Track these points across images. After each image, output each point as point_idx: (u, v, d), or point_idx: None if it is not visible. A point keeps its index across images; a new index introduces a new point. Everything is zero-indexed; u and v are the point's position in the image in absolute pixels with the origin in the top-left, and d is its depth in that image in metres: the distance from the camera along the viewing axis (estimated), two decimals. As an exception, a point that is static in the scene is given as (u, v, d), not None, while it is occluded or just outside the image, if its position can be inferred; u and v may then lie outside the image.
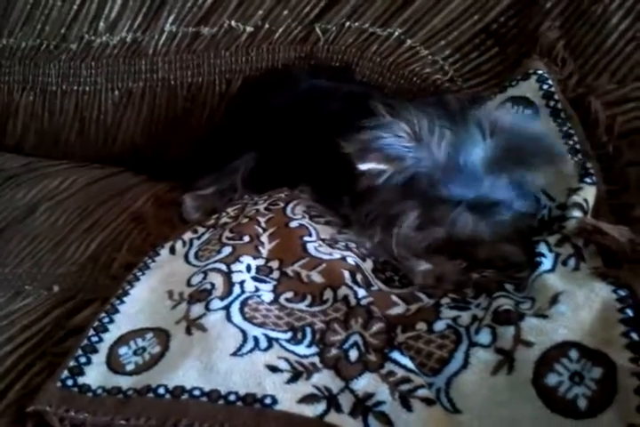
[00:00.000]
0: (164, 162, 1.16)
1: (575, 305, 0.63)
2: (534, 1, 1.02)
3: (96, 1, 1.17)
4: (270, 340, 0.66)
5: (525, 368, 0.59)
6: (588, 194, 0.78)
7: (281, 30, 1.12)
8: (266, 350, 0.65)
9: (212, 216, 0.90)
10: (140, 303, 0.75)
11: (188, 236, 0.85)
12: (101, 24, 1.17)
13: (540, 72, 0.94)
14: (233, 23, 1.13)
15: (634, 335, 0.58)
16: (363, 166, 0.74)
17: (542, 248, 0.73)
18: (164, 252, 0.83)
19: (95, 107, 1.18)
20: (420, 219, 0.77)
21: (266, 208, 0.87)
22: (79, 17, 1.18)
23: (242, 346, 0.65)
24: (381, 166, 0.74)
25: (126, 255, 0.90)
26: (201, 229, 0.87)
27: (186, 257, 0.81)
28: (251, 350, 0.65)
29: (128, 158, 1.19)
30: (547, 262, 0.70)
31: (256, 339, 0.66)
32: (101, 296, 0.79)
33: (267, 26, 1.13)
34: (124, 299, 0.75)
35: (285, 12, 1.12)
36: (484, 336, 0.63)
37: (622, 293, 0.63)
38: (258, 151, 0.98)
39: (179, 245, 0.84)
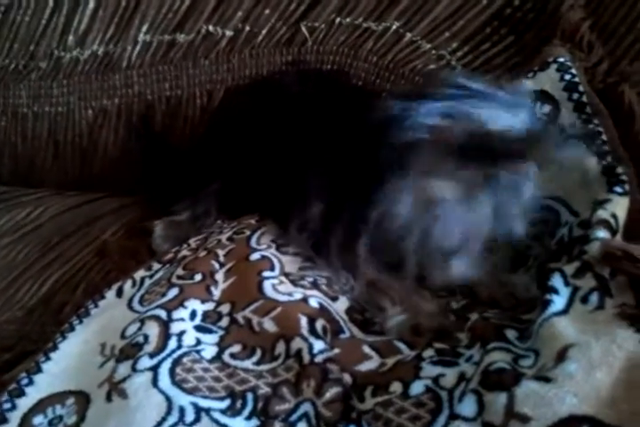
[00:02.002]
0: (145, 184, 1.04)
1: (589, 363, 0.48)
2: (553, -23, 0.87)
3: (64, 13, 1.07)
4: (199, 411, 0.53)
5: (520, 453, 0.44)
6: (618, 207, 0.64)
7: (264, 32, 1.00)
8: (192, 424, 0.52)
9: (172, 249, 0.77)
10: (68, 360, 0.63)
11: (140, 274, 0.73)
12: (70, 38, 1.07)
13: (561, 60, 0.80)
14: (211, 28, 1.01)
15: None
16: None
17: (556, 281, 0.58)
18: (111, 294, 0.71)
19: (69, 128, 1.08)
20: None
21: (229, 238, 0.74)
22: (47, 32, 1.08)
23: (164, 419, 0.52)
24: None
25: (80, 297, 0.79)
26: (156, 266, 0.74)
27: (130, 301, 0.68)
28: (173, 425, 0.52)
29: (107, 182, 1.08)
30: (558, 301, 0.55)
31: (182, 410, 0.53)
32: (43, 347, 0.67)
33: (248, 28, 1.00)
34: (52, 355, 0.64)
35: (267, 12, 0.99)
36: (468, 406, 0.48)
37: (655, 344, 0.47)
38: (227, 173, 0.85)
39: (127, 285, 0.71)
